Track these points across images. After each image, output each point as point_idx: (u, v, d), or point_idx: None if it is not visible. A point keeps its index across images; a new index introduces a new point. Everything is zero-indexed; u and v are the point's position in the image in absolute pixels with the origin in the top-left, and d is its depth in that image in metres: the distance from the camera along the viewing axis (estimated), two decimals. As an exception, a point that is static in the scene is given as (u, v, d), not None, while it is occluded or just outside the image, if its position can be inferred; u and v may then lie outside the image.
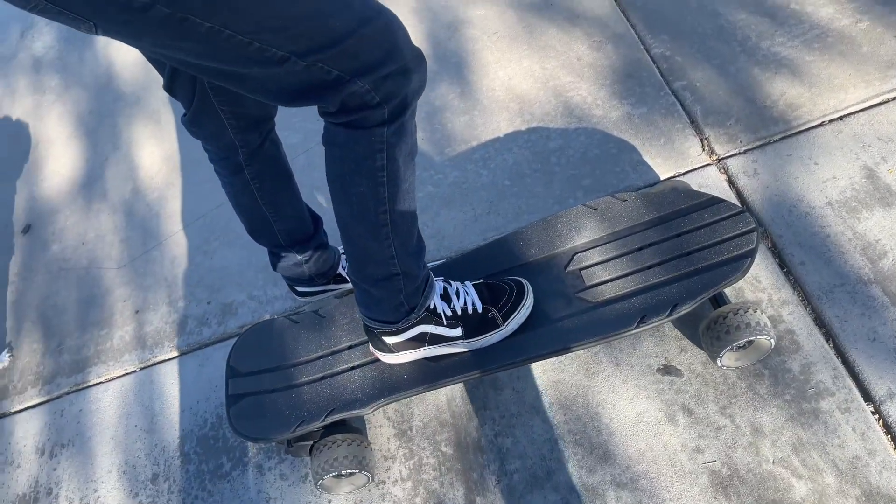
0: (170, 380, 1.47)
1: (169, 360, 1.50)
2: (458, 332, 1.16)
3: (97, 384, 1.52)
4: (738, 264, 1.11)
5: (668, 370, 1.20)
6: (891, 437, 1.07)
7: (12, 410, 1.54)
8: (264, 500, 1.27)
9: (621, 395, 1.20)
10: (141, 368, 1.51)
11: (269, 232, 1.23)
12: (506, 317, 1.17)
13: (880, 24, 1.51)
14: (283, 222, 1.22)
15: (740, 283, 1.24)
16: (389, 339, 1.15)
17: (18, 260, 1.83)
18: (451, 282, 1.19)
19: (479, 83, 1.72)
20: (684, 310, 1.10)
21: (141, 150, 1.95)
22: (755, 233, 1.14)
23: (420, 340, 1.16)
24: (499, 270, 1.28)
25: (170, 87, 1.02)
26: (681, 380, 1.19)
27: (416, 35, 1.87)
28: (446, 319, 1.16)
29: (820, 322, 1.19)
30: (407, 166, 0.96)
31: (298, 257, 1.29)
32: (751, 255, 1.12)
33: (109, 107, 2.11)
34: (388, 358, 1.19)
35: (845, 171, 1.33)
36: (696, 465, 1.11)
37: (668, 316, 1.10)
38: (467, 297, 1.17)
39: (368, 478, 1.20)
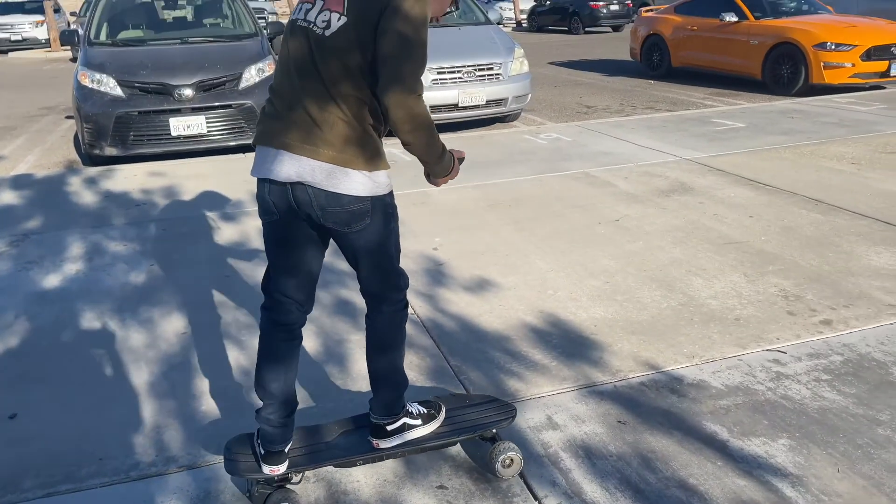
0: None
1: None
2: (418, 421, 2.20)
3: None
4: (504, 422, 2.27)
5: (443, 485, 2.20)
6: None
7: None
8: None
9: (419, 482, 2.17)
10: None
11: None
12: (437, 415, 2.25)
13: None
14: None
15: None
16: (390, 427, 2.14)
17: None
18: None
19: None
20: (477, 434, 2.26)
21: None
22: (514, 411, 2.31)
23: (402, 428, 2.17)
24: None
25: None
26: (451, 484, 2.19)
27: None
28: (413, 415, 2.21)
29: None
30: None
31: None
32: (512, 417, 2.29)
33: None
34: (384, 443, 2.16)
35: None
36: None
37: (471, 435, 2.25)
38: (417, 405, 2.25)
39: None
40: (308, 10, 1.89)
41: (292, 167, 1.83)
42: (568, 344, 3.06)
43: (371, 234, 1.93)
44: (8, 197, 5.63)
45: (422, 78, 1.80)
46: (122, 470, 2.34)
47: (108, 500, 2.21)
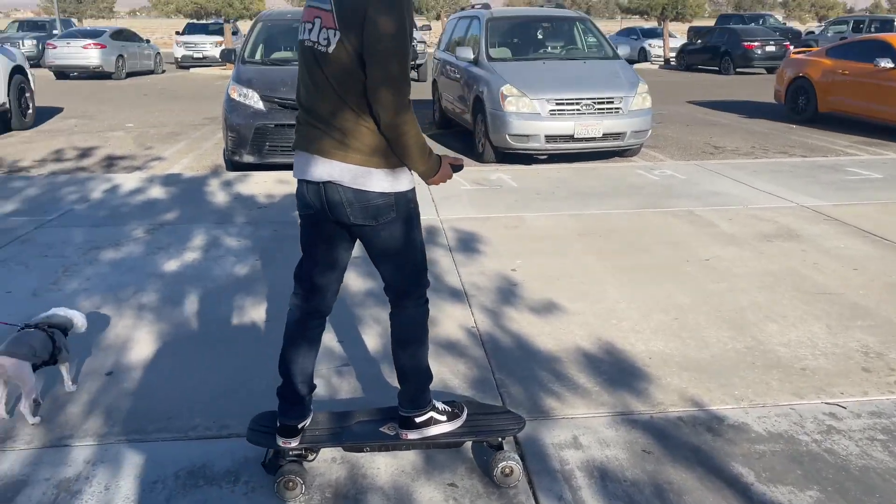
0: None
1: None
2: (444, 417, 2.34)
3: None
4: (509, 432, 2.36)
5: (454, 483, 2.32)
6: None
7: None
8: (218, 497, 2.24)
9: (434, 478, 2.30)
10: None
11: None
12: (461, 414, 2.38)
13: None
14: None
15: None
16: (418, 419, 2.29)
17: (102, 382, 2.95)
18: None
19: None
20: (484, 439, 2.37)
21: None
22: (523, 423, 2.40)
23: (429, 422, 2.31)
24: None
25: None
26: (462, 484, 2.30)
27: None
28: (439, 411, 2.35)
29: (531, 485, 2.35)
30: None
31: None
32: (520, 429, 2.38)
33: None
34: (412, 434, 2.30)
35: (566, 435, 2.61)
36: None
37: (477, 438, 2.35)
38: (441, 403, 2.39)
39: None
40: (310, 30, 2.05)
41: (325, 169, 2.05)
42: (616, 372, 3.08)
43: (396, 229, 2.12)
44: (157, 192, 6.39)
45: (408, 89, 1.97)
46: (183, 429, 2.66)
47: (167, 452, 2.52)
